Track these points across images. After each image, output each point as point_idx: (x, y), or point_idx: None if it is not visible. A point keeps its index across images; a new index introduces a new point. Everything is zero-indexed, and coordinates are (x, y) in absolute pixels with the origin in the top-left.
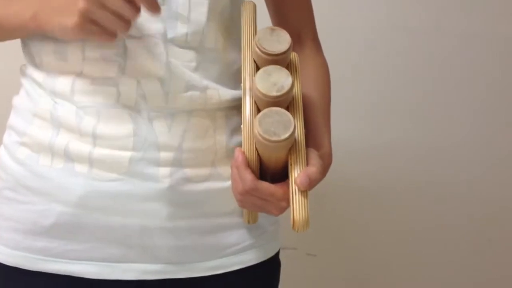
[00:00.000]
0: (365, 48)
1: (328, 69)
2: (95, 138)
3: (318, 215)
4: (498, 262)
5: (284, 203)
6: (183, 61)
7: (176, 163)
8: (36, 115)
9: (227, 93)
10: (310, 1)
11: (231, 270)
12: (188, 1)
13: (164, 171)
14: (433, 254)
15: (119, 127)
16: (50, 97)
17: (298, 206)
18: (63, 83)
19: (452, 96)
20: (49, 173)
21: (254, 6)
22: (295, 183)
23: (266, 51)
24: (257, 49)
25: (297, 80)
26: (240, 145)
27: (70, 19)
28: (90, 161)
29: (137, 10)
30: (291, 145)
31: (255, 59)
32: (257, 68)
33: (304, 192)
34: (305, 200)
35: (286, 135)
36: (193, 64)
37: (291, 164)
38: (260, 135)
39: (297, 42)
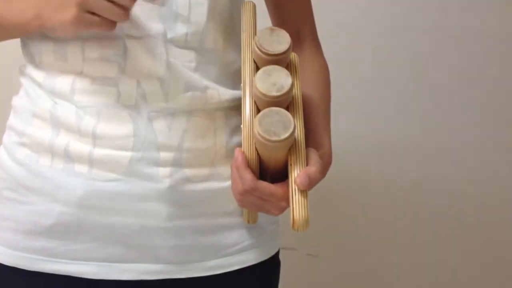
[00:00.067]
0: (365, 48)
1: (328, 69)
2: (95, 138)
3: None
4: (498, 262)
5: (283, 203)
6: (183, 61)
7: (176, 163)
8: (35, 115)
9: (226, 93)
10: (309, 1)
11: (230, 270)
12: (188, 2)
13: (164, 171)
14: (434, 254)
15: (119, 127)
16: (50, 97)
17: (297, 206)
18: (63, 83)
19: (452, 96)
20: (49, 173)
21: (254, 6)
22: (295, 183)
23: (266, 51)
24: (257, 49)
25: (297, 80)
26: (240, 145)
27: (68, 13)
28: (90, 161)
29: None
30: (291, 145)
31: (255, 59)
32: (257, 68)
33: (304, 192)
34: (305, 200)
35: (286, 135)
36: (193, 64)
37: (291, 164)
38: (260, 135)
39: (296, 42)
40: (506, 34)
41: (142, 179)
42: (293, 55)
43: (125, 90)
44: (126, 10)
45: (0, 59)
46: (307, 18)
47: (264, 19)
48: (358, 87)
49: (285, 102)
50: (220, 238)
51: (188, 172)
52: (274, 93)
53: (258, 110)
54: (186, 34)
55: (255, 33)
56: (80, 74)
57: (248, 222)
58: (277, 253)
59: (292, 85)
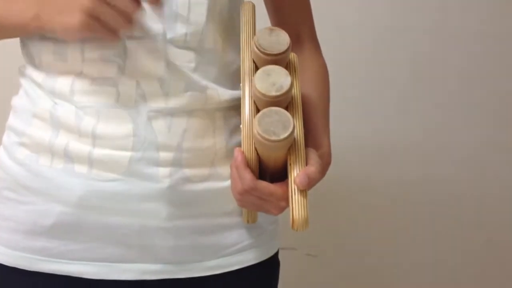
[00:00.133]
0: (365, 48)
1: (327, 69)
2: (95, 138)
3: (318, 215)
4: (498, 262)
5: (283, 203)
6: (182, 62)
7: (175, 163)
8: (35, 115)
9: (226, 93)
10: (308, 1)
11: (230, 270)
12: (188, 2)
13: (163, 171)
14: (434, 254)
15: (119, 127)
16: (50, 98)
17: (297, 205)
18: (63, 83)
19: (452, 96)
20: (49, 173)
21: (253, 6)
22: (294, 182)
23: (265, 51)
24: (256, 49)
25: (296, 80)
26: (239, 145)
27: (74, 18)
28: (90, 161)
29: (139, 5)
30: (290, 145)
31: (254, 59)
32: (256, 68)
33: (303, 191)
34: (305, 199)
35: (285, 135)
36: (192, 64)
37: (290, 164)
38: (260, 134)
39: (296, 42)
40: (506, 34)
41: (141, 179)
42: (293, 55)
43: (124, 90)
44: (130, 19)
45: (0, 59)
46: (307, 19)
47: (264, 19)
48: (358, 87)
49: (285, 102)
50: (219, 238)
51: (187, 172)
52: (274, 93)
53: (258, 110)
54: (186, 34)
55: (254, 33)
56: (80, 74)
57: (248, 222)
58: (277, 253)
59: (292, 85)
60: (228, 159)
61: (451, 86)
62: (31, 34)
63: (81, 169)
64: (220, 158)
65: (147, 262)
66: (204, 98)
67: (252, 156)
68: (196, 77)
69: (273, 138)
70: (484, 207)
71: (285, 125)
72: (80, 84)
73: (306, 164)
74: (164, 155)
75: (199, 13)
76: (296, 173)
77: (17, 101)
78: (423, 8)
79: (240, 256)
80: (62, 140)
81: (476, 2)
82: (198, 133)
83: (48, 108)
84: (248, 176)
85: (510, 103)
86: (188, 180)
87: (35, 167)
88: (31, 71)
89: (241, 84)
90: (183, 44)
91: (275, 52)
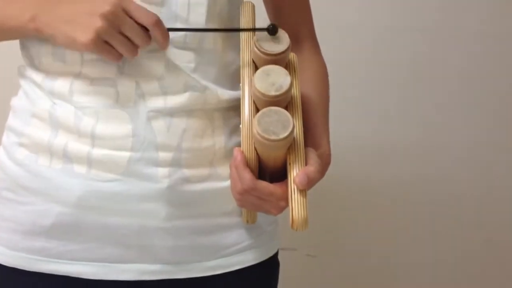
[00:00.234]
0: (365, 48)
1: (326, 69)
2: (94, 139)
3: (318, 215)
4: (498, 262)
5: (283, 203)
6: (182, 62)
7: (175, 163)
8: (34, 115)
9: (225, 94)
10: (308, 2)
11: (229, 270)
12: (187, 2)
13: (163, 171)
14: (433, 254)
15: (118, 128)
16: (49, 98)
17: (297, 205)
18: (62, 84)
19: (452, 96)
20: (48, 173)
21: (253, 6)
22: (294, 182)
23: (265, 51)
24: (255, 49)
25: (295, 80)
26: (238, 145)
27: (84, 35)
28: (89, 162)
29: (149, 39)
30: (290, 145)
31: (254, 59)
32: (256, 68)
33: (303, 191)
34: (304, 199)
35: (285, 135)
36: (192, 65)
37: (289, 164)
38: (259, 134)
39: (295, 42)
40: (506, 34)
41: (141, 179)
42: (292, 55)
43: (124, 91)
44: (137, 48)
45: (0, 59)
46: (306, 19)
47: (263, 19)
48: (358, 87)
49: (284, 101)
50: (219, 238)
51: (187, 172)
52: (273, 93)
53: (257, 110)
54: (185, 35)
55: (254, 33)
56: (79, 75)
57: (247, 222)
58: (276, 254)
59: (291, 84)
60: (227, 159)
61: (451, 86)
62: (29, 36)
63: (80, 169)
64: (219, 158)
65: (146, 262)
66: (204, 98)
67: (251, 155)
68: (195, 77)
69: (273, 137)
70: (484, 207)
71: (284, 124)
72: (79, 85)
73: (306, 164)
74: (163, 155)
75: (199, 13)
76: (295, 173)
77: (17, 101)
78: (423, 8)
79: (240, 257)
80: (61, 140)
81: (476, 2)
82: (198, 133)
83: (47, 108)
84: (247, 176)
85: (510, 103)
86: (187, 180)
87: (34, 167)
88: (30, 72)
89: (240, 84)
90: (182, 44)
91: (274, 52)
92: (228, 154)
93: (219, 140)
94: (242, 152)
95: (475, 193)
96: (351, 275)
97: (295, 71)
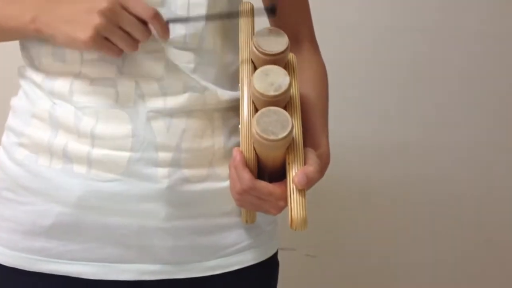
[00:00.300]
0: (365, 48)
1: (325, 70)
2: (94, 139)
3: (317, 215)
4: (498, 262)
5: (282, 202)
6: (182, 62)
7: (174, 164)
8: (34, 115)
9: (225, 94)
10: (307, 2)
11: (229, 270)
12: (187, 3)
13: (162, 171)
14: (433, 254)
15: (118, 128)
16: (49, 98)
17: (296, 205)
18: (62, 84)
19: (452, 96)
20: (48, 173)
21: (252, 7)
22: (293, 182)
23: (264, 51)
24: (255, 49)
25: (294, 80)
26: (238, 146)
27: (83, 33)
28: (89, 162)
29: (149, 33)
30: (289, 145)
31: (253, 59)
32: (255, 68)
33: (302, 191)
34: (303, 199)
35: (284, 134)
36: (191, 65)
37: (289, 163)
38: (258, 134)
39: (294, 43)
40: (506, 34)
41: (140, 180)
42: (291, 55)
43: (123, 91)
44: (137, 42)
45: (0, 59)
46: (305, 20)
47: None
48: (358, 87)
49: (283, 101)
50: (218, 238)
51: (186, 172)
52: (272, 93)
53: (256, 110)
54: (185, 35)
55: (253, 34)
56: (79, 75)
57: (247, 222)
58: (276, 254)
59: (290, 84)
60: (226, 160)
61: (451, 86)
62: (29, 36)
63: (80, 169)
64: (219, 158)
65: (146, 262)
66: (203, 99)
67: (250, 155)
68: (195, 77)
69: (272, 137)
70: (484, 207)
71: (283, 124)
72: (79, 85)
73: (305, 164)
74: (163, 155)
75: (198, 14)
76: (294, 173)
77: (17, 101)
78: (423, 8)
79: (239, 257)
80: (61, 140)
81: (476, 2)
82: (197, 133)
83: (47, 108)
84: (246, 176)
85: (510, 103)
86: (186, 180)
87: (34, 167)
88: (30, 72)
89: (239, 84)
90: (182, 45)
91: (273, 52)
92: (227, 155)
93: (218, 141)
94: (241, 152)
95: (475, 193)
96: (351, 275)
97: (294, 71)
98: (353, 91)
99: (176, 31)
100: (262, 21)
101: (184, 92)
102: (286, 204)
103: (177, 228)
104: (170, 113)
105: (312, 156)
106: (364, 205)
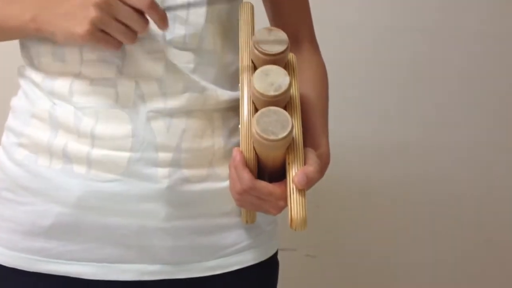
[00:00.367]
0: (365, 48)
1: (325, 70)
2: (94, 139)
3: (317, 215)
4: (498, 262)
5: (281, 202)
6: (181, 62)
7: (174, 164)
8: (34, 116)
9: (225, 94)
10: (307, 2)
11: (229, 270)
12: (187, 3)
13: (162, 171)
14: (433, 254)
15: (118, 128)
16: (49, 98)
17: (295, 205)
18: (62, 84)
19: (452, 96)
20: (48, 173)
21: (252, 7)
22: (292, 182)
23: (264, 51)
24: (254, 50)
25: (294, 80)
26: (238, 145)
27: (80, 27)
28: (89, 162)
29: (147, 23)
30: (289, 145)
31: (253, 60)
32: (255, 68)
33: (301, 191)
34: (303, 199)
35: (284, 134)
36: (191, 65)
37: (288, 163)
38: (258, 134)
39: (294, 43)
40: (506, 34)
41: (140, 180)
42: (291, 55)
43: (123, 91)
44: (135, 34)
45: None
46: (305, 20)
47: (262, 19)
48: (358, 87)
49: (283, 101)
50: (218, 238)
51: (186, 172)
52: (272, 93)
53: (256, 110)
54: (185, 35)
55: (253, 34)
56: (79, 75)
57: (246, 222)
58: (276, 254)
59: (290, 84)
60: (226, 160)
61: (451, 86)
62: (29, 36)
63: (80, 169)
64: (219, 158)
65: (146, 262)
66: (203, 99)
67: (250, 155)
68: (195, 78)
69: (272, 137)
70: (484, 207)
71: (283, 124)
72: (79, 85)
73: (305, 164)
74: (163, 155)
75: (198, 14)
76: (294, 173)
77: (16, 102)
78: (423, 8)
79: (239, 257)
80: (61, 140)
81: (476, 2)
82: (197, 133)
83: (47, 108)
84: (246, 176)
85: (510, 103)
86: (186, 180)
87: (34, 167)
88: (30, 72)
89: (239, 84)
90: (182, 45)
91: (273, 52)
92: (227, 155)
93: (218, 141)
94: (241, 152)
95: (475, 193)
96: (351, 275)
97: (294, 71)
98: (353, 91)
99: (176, 31)
100: (262, 21)
101: (184, 92)
102: (286, 204)
103: (177, 228)
104: (170, 113)
105: (312, 156)
106: (364, 205)
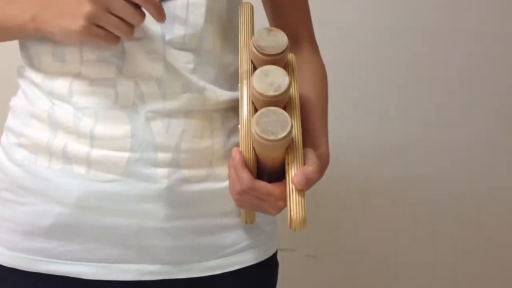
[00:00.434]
0: (365, 48)
1: (325, 70)
2: (93, 139)
3: (317, 215)
4: (498, 262)
5: (281, 203)
6: (181, 63)
7: (173, 164)
8: (33, 116)
9: (224, 95)
10: (307, 2)
11: (229, 270)
12: (186, 3)
13: (162, 171)
14: (433, 254)
15: (117, 128)
16: (48, 98)
17: (295, 205)
18: (61, 84)
19: (452, 96)
20: (47, 174)
21: (252, 7)
22: (292, 182)
23: (263, 52)
24: (254, 50)
25: (294, 80)
26: (237, 145)
27: (75, 23)
28: (88, 162)
29: (143, 16)
30: (288, 145)
31: (253, 60)
32: (255, 68)
33: (301, 191)
34: (302, 199)
35: (283, 135)
36: (191, 65)
37: (288, 164)
38: (258, 134)
39: (294, 43)
40: (506, 34)
41: (140, 180)
42: (291, 56)
43: (123, 91)
44: (132, 27)
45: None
46: (305, 20)
47: (262, 20)
48: (358, 87)
49: (283, 102)
50: (218, 239)
51: (186, 172)
52: (271, 93)
53: (256, 110)
54: (184, 36)
55: (252, 34)
56: (78, 75)
57: (246, 222)
58: (275, 254)
59: (290, 85)
60: (226, 160)
61: (451, 86)
62: (29, 36)
63: (79, 169)
64: (218, 158)
65: (146, 262)
66: (202, 99)
67: (250, 156)
68: (194, 78)
69: (271, 137)
70: (484, 207)
71: (283, 125)
72: (79, 85)
73: (304, 164)
74: (162, 155)
75: (198, 14)
76: (294, 173)
77: (16, 102)
78: (423, 8)
79: (239, 257)
80: (60, 140)
81: (476, 2)
82: (196, 134)
83: (47, 108)
84: (246, 176)
85: (510, 103)
86: (186, 180)
87: (33, 167)
88: (29, 72)
89: (239, 84)
90: (181, 45)
91: (273, 52)
92: (226, 155)
93: (217, 141)
94: (241, 152)
95: (475, 193)
96: (351, 276)
97: (293, 72)
98: (353, 91)
99: (175, 31)
100: (262, 21)
101: (183, 92)
102: (285, 204)
103: (177, 228)
104: (169, 114)
105: (311, 156)
106: (364, 205)
